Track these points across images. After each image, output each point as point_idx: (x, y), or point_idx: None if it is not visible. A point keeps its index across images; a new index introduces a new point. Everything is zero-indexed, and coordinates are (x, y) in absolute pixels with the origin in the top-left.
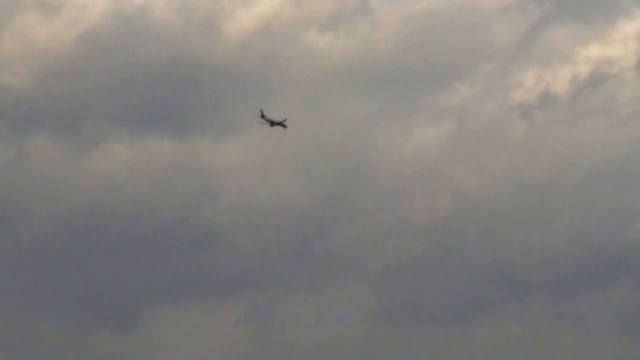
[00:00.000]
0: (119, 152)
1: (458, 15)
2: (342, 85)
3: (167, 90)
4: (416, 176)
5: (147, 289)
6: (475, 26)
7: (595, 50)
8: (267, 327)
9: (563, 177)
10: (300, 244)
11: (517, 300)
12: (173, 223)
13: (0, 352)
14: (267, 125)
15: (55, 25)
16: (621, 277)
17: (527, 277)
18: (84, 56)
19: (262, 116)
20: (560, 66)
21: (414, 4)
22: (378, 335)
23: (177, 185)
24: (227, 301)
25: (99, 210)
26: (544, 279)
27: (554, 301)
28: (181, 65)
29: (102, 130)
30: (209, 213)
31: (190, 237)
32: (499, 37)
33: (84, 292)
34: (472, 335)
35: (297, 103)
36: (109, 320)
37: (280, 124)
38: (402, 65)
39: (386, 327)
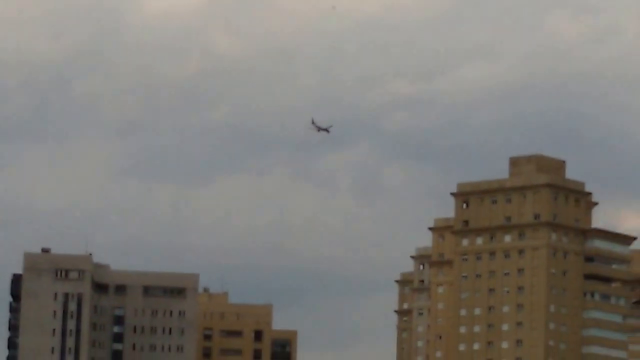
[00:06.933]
0: None
1: None
2: None
3: None
4: (166, 33)
5: None
6: None
7: None
8: (7, 181)
9: (310, 40)
10: (43, 96)
11: (258, 158)
12: None
13: None
14: (315, 131)
15: None
16: (359, 139)
17: (268, 136)
18: None
19: (313, 123)
20: None
21: None
22: (123, 190)
23: None
24: None
25: None
26: (285, 139)
27: (293, 160)
28: None
29: None
30: None
31: None
32: None
33: None
34: (214, 191)
35: None
36: None
37: (326, 129)
38: None
39: (131, 181)
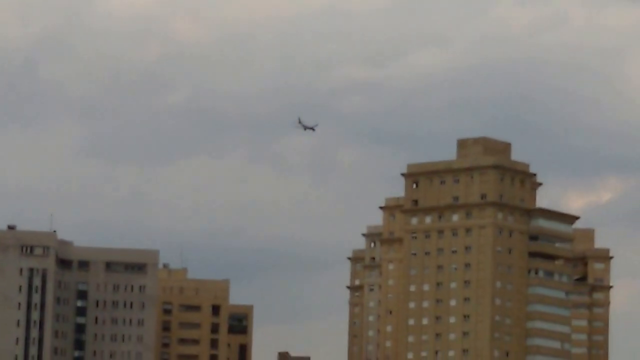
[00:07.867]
0: None
1: None
2: None
3: None
4: (129, 19)
5: None
6: None
7: None
8: None
9: (268, 26)
10: (11, 80)
11: (216, 140)
12: None
13: None
14: (302, 129)
15: None
16: (315, 121)
17: (226, 118)
18: None
19: (299, 122)
20: None
21: None
22: (86, 170)
23: None
24: None
25: None
26: (243, 121)
27: (251, 141)
28: None
29: None
30: None
31: None
32: None
33: None
34: (174, 171)
35: None
36: None
37: (312, 128)
38: None
39: (94, 161)
